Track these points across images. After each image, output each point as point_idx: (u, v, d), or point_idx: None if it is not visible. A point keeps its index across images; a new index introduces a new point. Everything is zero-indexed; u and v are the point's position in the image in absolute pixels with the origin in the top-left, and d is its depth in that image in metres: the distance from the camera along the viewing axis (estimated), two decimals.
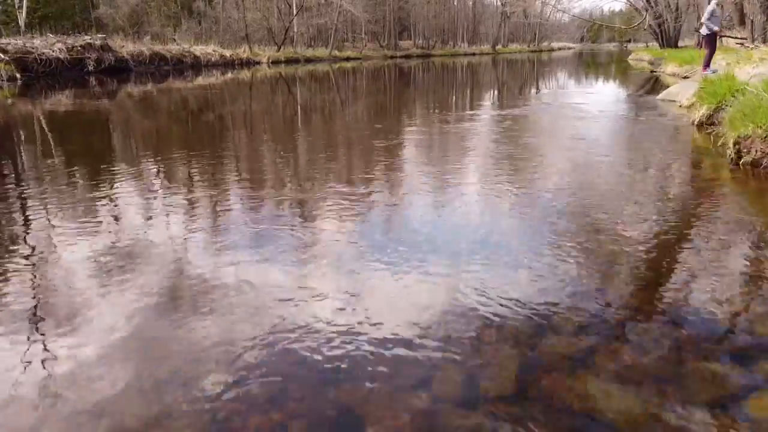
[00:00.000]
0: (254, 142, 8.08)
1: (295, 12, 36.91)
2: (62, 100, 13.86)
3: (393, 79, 23.60)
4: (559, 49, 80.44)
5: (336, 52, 39.53)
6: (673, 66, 19.29)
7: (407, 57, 46.14)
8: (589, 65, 34.86)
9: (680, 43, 31.37)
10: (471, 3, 60.67)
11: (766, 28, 17.05)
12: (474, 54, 54.83)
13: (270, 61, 31.33)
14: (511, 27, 67.70)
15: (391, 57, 44.29)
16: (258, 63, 30.75)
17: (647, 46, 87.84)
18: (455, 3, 58.98)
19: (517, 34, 71.59)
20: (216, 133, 8.83)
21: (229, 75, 24.22)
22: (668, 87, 12.88)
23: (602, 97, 13.84)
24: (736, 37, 21.04)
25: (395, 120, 10.27)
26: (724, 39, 20.18)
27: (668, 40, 29.98)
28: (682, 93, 10.90)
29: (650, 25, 30.17)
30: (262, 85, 20.40)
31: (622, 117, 9.77)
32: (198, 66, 26.34)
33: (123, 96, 15.47)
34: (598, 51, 76.76)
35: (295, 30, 39.35)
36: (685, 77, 15.58)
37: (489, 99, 14.64)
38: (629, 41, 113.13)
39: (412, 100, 14.68)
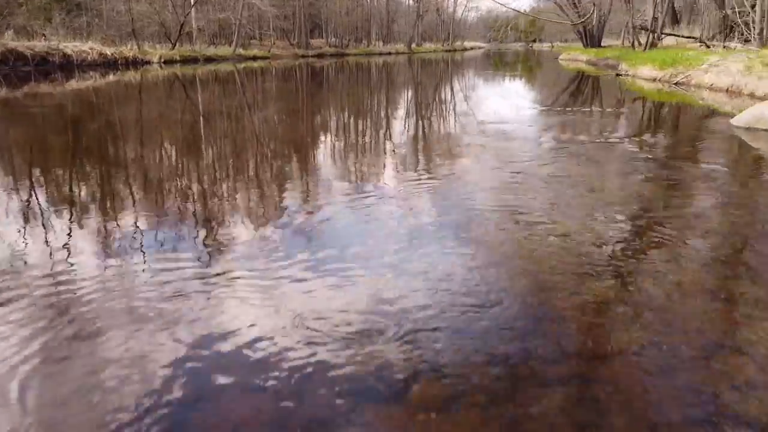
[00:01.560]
0: (137, 168, 5.84)
1: (192, 3, 32.90)
2: None
3: (306, 81, 20.84)
4: (471, 48, 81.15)
5: (241, 51, 35.88)
6: (650, 69, 16.53)
7: (320, 56, 43.25)
8: (517, 67, 32.00)
9: (603, 43, 30.92)
10: (384, 0, 58.55)
11: (721, 25, 15.90)
12: (390, 53, 52.82)
13: (162, 60, 27.36)
14: (425, 26, 66.47)
15: (303, 56, 41.21)
16: (148, 63, 26.71)
17: (552, 46, 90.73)
18: (368, 0, 56.63)
19: (431, 33, 70.53)
20: (68, 161, 5.83)
21: (111, 77, 20.39)
22: (700, 101, 10.84)
23: (659, 140, 7.44)
24: (679, 35, 20.13)
25: (309, 130, 8.85)
26: (666, 38, 19.22)
27: (592, 39, 29.37)
28: None
29: (574, 25, 29.43)
30: (150, 89, 16.94)
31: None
32: (70, 66, 22.06)
33: None
34: (506, 51, 77.63)
35: (194, 25, 35.28)
36: (678, 83, 13.78)
37: (410, 111, 12.25)
38: (534, 41, 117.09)
39: (328, 107, 12.67)
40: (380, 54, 51.20)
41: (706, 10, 17.29)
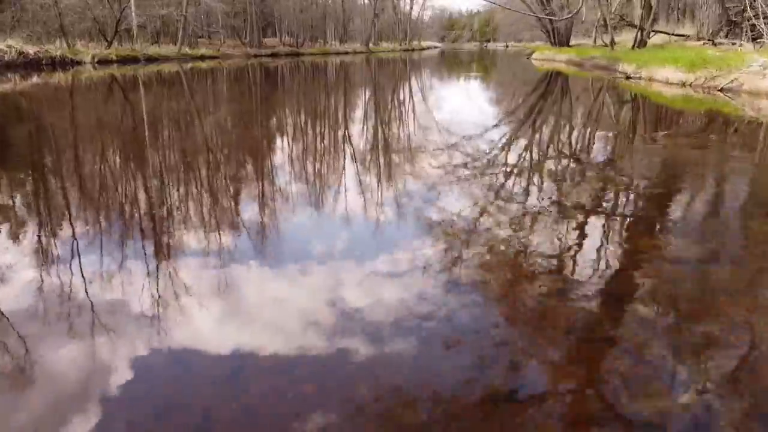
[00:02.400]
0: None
1: None
2: None
3: (259, 83, 18.60)
4: (427, 48, 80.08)
5: (187, 50, 33.05)
6: (672, 71, 13.29)
7: (274, 56, 40.72)
8: (490, 70, 28.95)
9: (571, 42, 29.72)
10: None
11: (722, 21, 14.49)
12: (347, 53, 50.63)
13: (96, 60, 24.40)
14: (381, 25, 64.53)
15: (255, 56, 38.59)
16: (79, 63, 23.73)
17: (507, 46, 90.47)
18: None
19: (388, 32, 68.65)
20: None
21: (35, 79, 17.60)
22: None
23: None
24: (670, 33, 18.71)
25: (262, 139, 7.82)
26: (660, 36, 17.77)
27: (560, 38, 28.15)
28: None
29: (542, 23, 28.18)
30: (82, 93, 14.58)
31: None
32: None
33: None
34: (460, 50, 76.87)
35: (134, 22, 32.19)
36: (723, 90, 11.03)
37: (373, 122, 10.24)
38: (488, 41, 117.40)
39: (283, 112, 11.26)
40: (337, 54, 48.95)
41: (705, 5, 15.88)
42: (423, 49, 75.46)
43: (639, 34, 18.66)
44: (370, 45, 56.96)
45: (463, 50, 76.07)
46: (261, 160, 6.30)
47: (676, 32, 19.40)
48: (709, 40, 15.44)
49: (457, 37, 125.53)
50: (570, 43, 29.17)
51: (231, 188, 4.84)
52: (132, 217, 4.00)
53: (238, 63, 31.43)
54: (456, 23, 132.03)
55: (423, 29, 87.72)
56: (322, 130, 8.79)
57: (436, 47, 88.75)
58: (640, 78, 14.92)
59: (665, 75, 13.53)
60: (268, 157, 6.49)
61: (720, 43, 14.69)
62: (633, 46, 19.03)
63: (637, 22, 18.83)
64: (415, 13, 73.55)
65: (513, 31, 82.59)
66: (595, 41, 27.22)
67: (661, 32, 19.42)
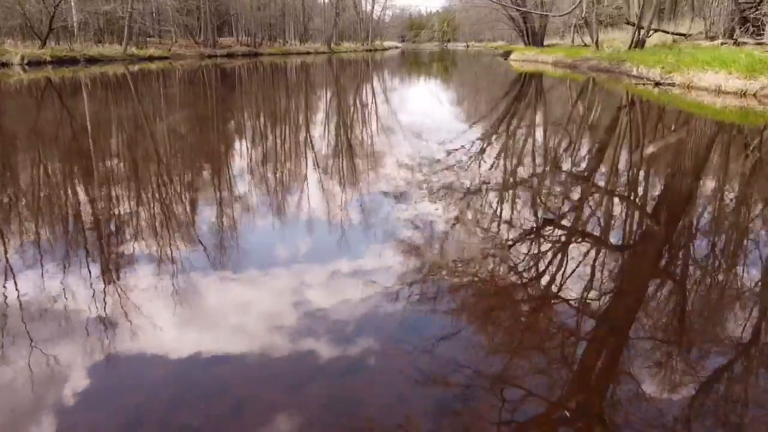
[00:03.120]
0: None
1: None
2: None
3: (214, 86, 16.51)
4: (389, 48, 78.81)
5: (134, 50, 30.32)
6: (723, 77, 10.88)
7: (230, 56, 38.23)
8: (464, 73, 26.51)
9: (545, 41, 28.45)
10: None
11: (734, 18, 13.09)
12: (308, 53, 48.35)
13: (26, 62, 21.63)
14: (343, 24, 62.43)
15: (210, 56, 36.05)
16: (5, 65, 20.94)
17: (467, 45, 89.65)
18: None
19: (349, 31, 66.56)
20: None
21: None
22: None
23: None
24: (668, 32, 17.06)
25: (216, 149, 7.05)
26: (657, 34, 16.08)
27: (534, 37, 26.86)
28: None
29: (514, 22, 26.90)
30: (5, 99, 12.30)
31: None
32: None
33: None
34: (422, 50, 75.43)
35: (74, 19, 29.29)
36: None
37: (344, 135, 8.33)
38: (449, 41, 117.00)
39: (240, 121, 9.88)
40: (298, 54, 46.63)
41: (715, 0, 14.48)
42: (385, 49, 74.10)
43: (637, 33, 17.13)
44: (332, 45, 54.79)
45: (425, 50, 74.58)
46: (215, 174, 5.63)
47: (676, 31, 17.94)
48: (731, 38, 13.83)
49: (418, 37, 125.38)
50: (544, 43, 27.83)
51: (178, 204, 4.60)
52: (69, 232, 3.81)
53: (191, 64, 29.02)
54: (416, 23, 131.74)
55: (387, 29, 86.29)
56: (282, 138, 7.96)
57: (397, 47, 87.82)
58: (672, 85, 12.33)
59: (714, 82, 10.98)
60: (221, 171, 5.80)
61: (744, 42, 13.18)
62: (630, 46, 17.46)
63: (633, 19, 17.40)
64: (376, 13, 71.85)
65: (474, 31, 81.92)
66: (573, 41, 25.77)
67: (660, 31, 17.96)
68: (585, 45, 23.88)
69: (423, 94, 15.65)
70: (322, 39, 56.65)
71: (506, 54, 33.68)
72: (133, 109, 10.87)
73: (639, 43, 17.30)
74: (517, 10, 25.85)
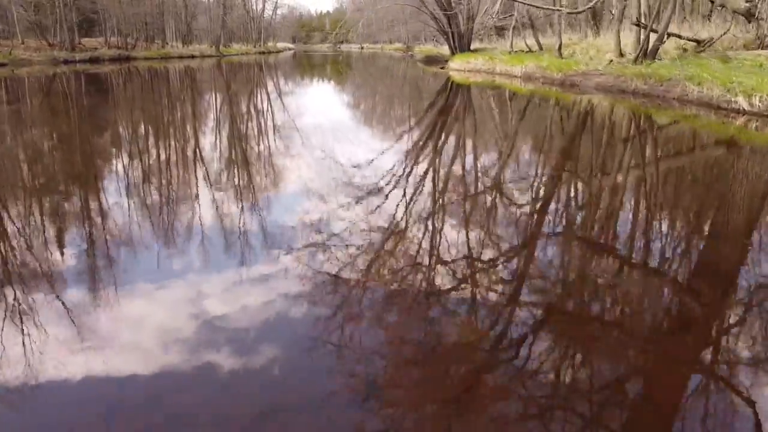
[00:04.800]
0: None
1: None
2: None
3: (64, 100, 12.10)
4: (283, 50, 74.76)
5: None
6: None
7: (95, 61, 32.31)
8: (400, 82, 22.04)
9: (472, 46, 25.92)
10: None
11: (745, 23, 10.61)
12: (193, 56, 42.88)
13: None
14: (232, 23, 57.02)
15: (67, 61, 29.99)
16: None
17: (362, 48, 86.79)
18: None
19: (239, 32, 61.19)
20: None
21: None
22: None
23: None
24: (682, 37, 14.14)
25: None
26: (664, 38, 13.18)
27: (461, 41, 24.26)
28: None
29: (439, 25, 24.19)
30: None
31: None
32: None
33: None
34: (316, 52, 72.25)
35: None
36: None
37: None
38: (342, 42, 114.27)
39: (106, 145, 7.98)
40: (180, 57, 41.07)
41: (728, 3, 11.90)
42: (279, 51, 69.79)
43: (647, 37, 13.28)
44: (221, 47, 49.45)
45: (319, 53, 70.82)
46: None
47: (694, 37, 14.37)
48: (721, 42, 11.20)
49: (310, 38, 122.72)
50: (471, 47, 25.25)
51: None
52: None
53: (42, 71, 23.43)
54: (307, 24, 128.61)
55: (278, 30, 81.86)
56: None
57: (290, 49, 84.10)
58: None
59: None
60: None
61: None
62: (637, 56, 13.70)
63: (617, 17, 14.30)
64: (268, 12, 67.02)
65: (369, 33, 79.72)
66: (511, 46, 22.62)
67: (672, 35, 14.23)
68: (529, 50, 21.30)
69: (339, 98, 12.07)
70: (209, 40, 51.06)
71: (430, 60, 30.47)
72: None
73: (650, 53, 13.44)
74: (444, 13, 23.07)
